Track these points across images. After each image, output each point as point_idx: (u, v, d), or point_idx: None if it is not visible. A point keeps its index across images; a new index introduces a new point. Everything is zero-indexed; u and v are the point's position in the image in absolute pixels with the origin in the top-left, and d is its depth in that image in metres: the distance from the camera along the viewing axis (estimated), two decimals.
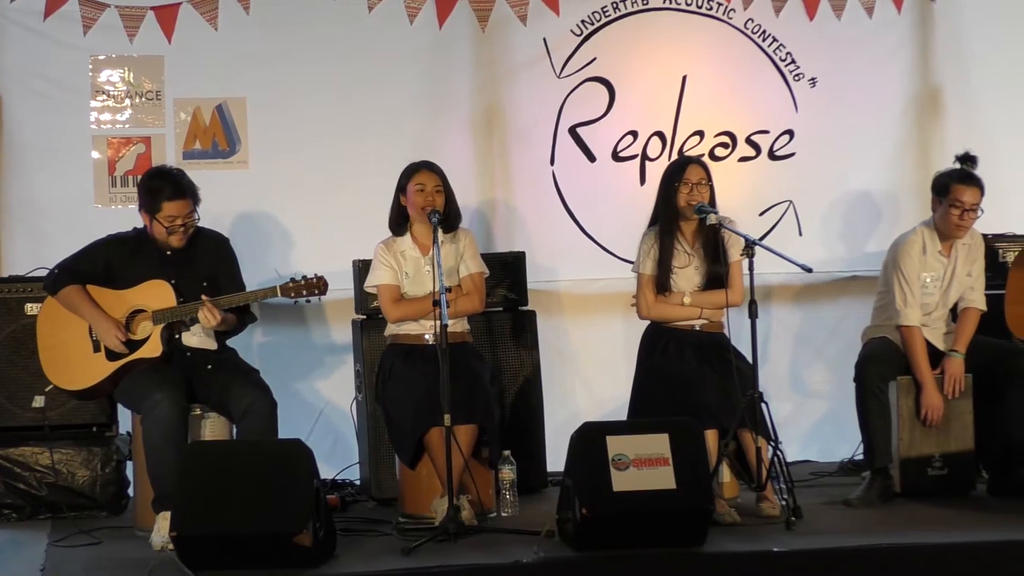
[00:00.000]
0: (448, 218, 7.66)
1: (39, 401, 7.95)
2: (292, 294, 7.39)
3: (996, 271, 8.57)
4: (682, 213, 7.78)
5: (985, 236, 8.31)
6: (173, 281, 7.38)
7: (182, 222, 7.39)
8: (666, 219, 7.83)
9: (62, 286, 7.46)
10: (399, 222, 7.74)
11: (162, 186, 7.42)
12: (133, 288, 7.41)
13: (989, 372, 8.00)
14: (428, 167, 7.71)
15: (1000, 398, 7.96)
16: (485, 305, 7.86)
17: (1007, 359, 8.00)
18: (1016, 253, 8.51)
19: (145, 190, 7.47)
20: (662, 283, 7.81)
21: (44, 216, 8.66)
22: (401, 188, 7.70)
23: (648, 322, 7.96)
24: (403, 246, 7.71)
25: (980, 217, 8.00)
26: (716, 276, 7.76)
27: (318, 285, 7.41)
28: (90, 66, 8.73)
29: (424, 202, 7.57)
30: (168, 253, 7.48)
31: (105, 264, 7.48)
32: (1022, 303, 8.25)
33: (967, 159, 8.13)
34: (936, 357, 8.03)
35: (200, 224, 7.51)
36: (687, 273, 7.81)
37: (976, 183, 8.01)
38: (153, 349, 7.35)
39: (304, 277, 7.41)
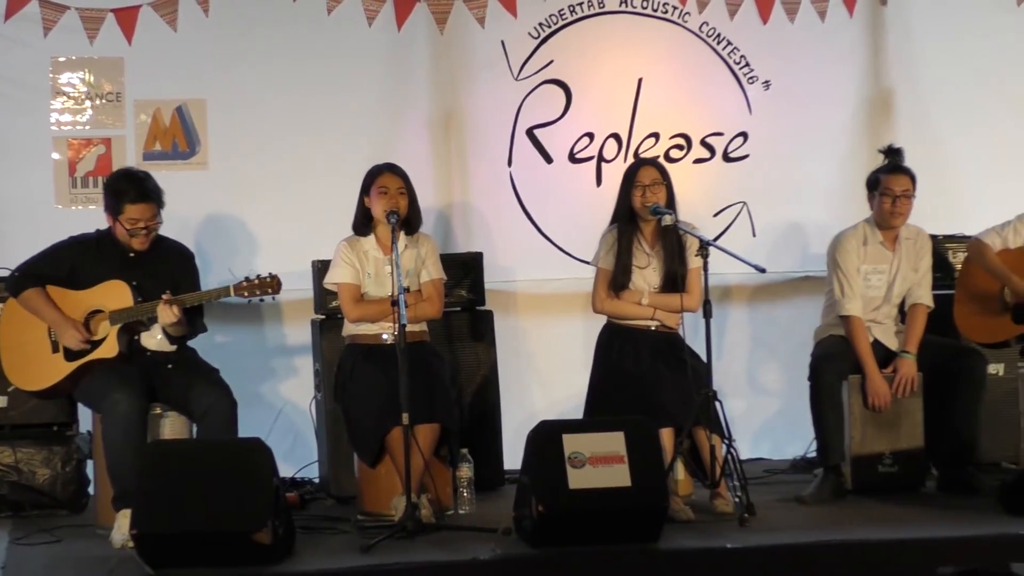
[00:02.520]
0: (410, 220, 7.68)
1: (1, 401, 7.93)
2: (245, 293, 7.37)
3: (946, 272, 8.62)
4: (639, 214, 7.82)
5: (935, 237, 8.38)
6: (134, 283, 7.37)
7: (144, 225, 7.37)
8: (624, 220, 7.87)
9: (23, 289, 7.44)
10: (363, 223, 7.75)
11: (126, 189, 7.40)
12: (91, 288, 7.40)
13: (939, 372, 8.05)
14: (391, 170, 7.72)
15: (950, 397, 8.01)
16: (442, 313, 7.88)
17: (957, 359, 8.05)
18: (966, 254, 8.56)
19: (110, 191, 7.45)
20: (621, 282, 7.84)
21: (4, 217, 8.62)
22: (365, 190, 7.70)
23: (605, 322, 7.99)
24: (366, 246, 7.71)
25: (914, 205, 8.11)
26: (674, 277, 7.79)
27: (271, 284, 7.39)
28: (50, 67, 8.70)
29: (387, 204, 7.57)
30: (131, 255, 7.47)
31: (70, 267, 7.46)
32: (971, 304, 8.31)
33: (892, 151, 8.21)
34: (889, 357, 8.08)
35: (162, 227, 7.50)
36: (646, 273, 7.84)
37: (903, 171, 8.11)
38: (109, 349, 7.33)
39: (258, 276, 7.39)
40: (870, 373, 7.98)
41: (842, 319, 8.06)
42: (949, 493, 7.96)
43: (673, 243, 7.80)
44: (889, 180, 8.07)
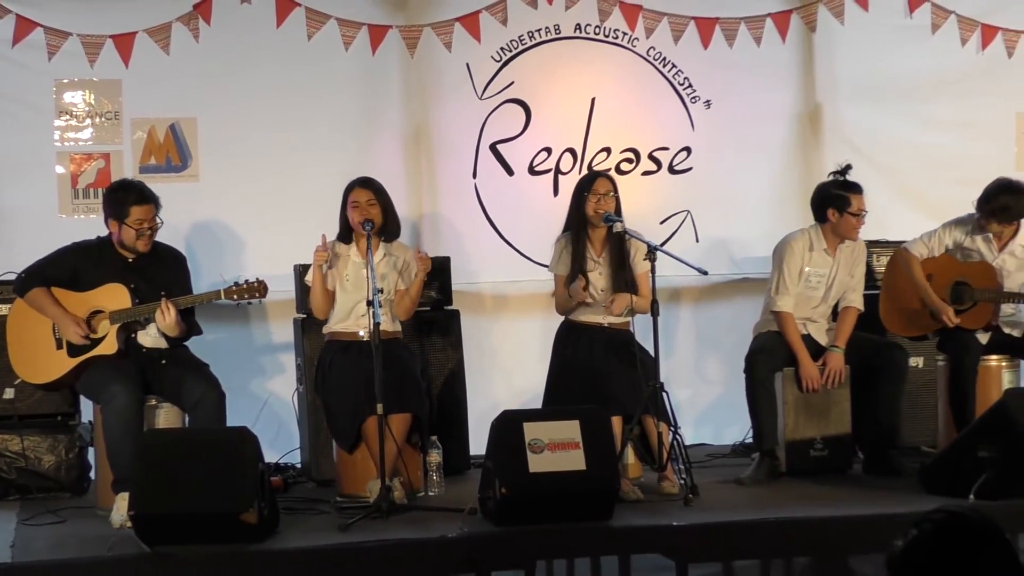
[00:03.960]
0: (387, 228, 7.67)
1: (9, 393, 7.90)
2: (235, 297, 7.36)
3: (870, 274, 8.64)
4: (590, 221, 7.82)
5: None
6: (132, 286, 7.35)
7: (148, 225, 7.37)
8: (577, 227, 7.87)
9: (29, 289, 7.41)
10: (346, 233, 7.74)
11: (129, 194, 7.42)
12: (93, 290, 7.37)
13: (865, 364, 8.06)
14: (362, 184, 7.69)
15: (874, 388, 8.03)
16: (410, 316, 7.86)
17: (881, 353, 8.07)
18: (889, 258, 8.58)
19: (113, 200, 7.43)
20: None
21: (12, 225, 8.59)
22: (344, 203, 7.70)
23: (562, 319, 7.98)
24: (348, 252, 7.70)
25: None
26: (621, 281, 7.79)
27: (258, 288, 7.37)
28: (54, 89, 8.67)
29: (359, 216, 7.56)
30: (130, 261, 7.45)
31: (71, 270, 7.44)
32: (894, 301, 8.34)
33: (848, 169, 8.21)
34: (819, 351, 8.10)
35: (158, 236, 7.49)
36: (593, 277, 7.82)
37: (862, 190, 8.11)
38: (109, 346, 7.31)
39: (246, 281, 7.38)
40: (802, 359, 8.00)
41: (774, 314, 8.08)
42: (874, 474, 7.97)
43: (618, 249, 7.81)
44: (859, 200, 8.05)
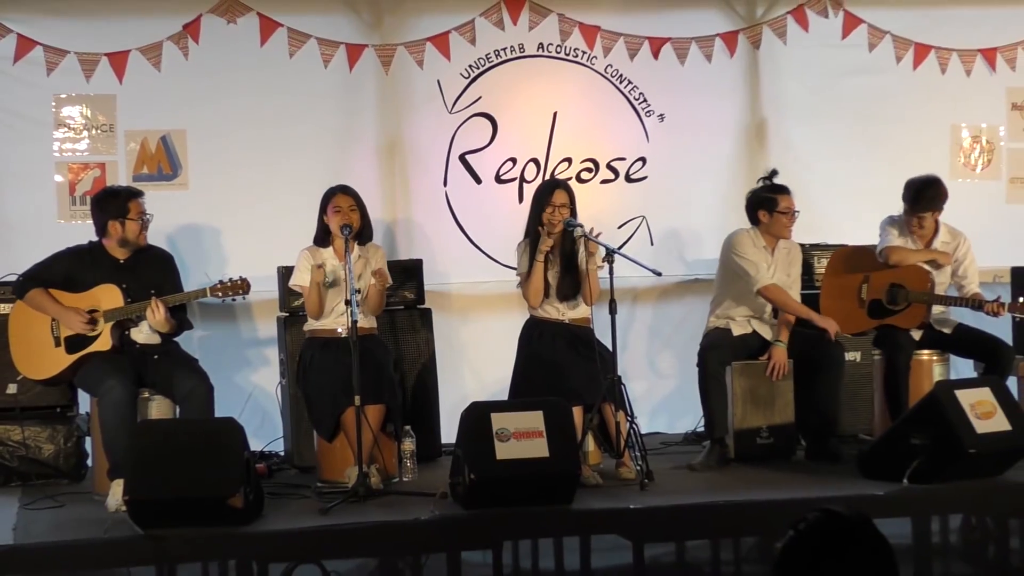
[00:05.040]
0: (362, 232, 7.68)
1: (12, 388, 7.88)
2: (220, 294, 7.37)
3: (810, 275, 8.68)
4: (547, 229, 7.80)
5: (802, 246, 8.43)
6: (124, 286, 7.35)
7: (145, 215, 7.42)
8: (535, 233, 7.87)
9: (28, 291, 7.41)
10: (323, 236, 7.74)
11: (117, 193, 7.52)
12: (88, 291, 7.37)
13: (806, 359, 8.09)
14: (343, 191, 7.72)
15: (814, 380, 8.05)
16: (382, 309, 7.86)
17: (821, 348, 8.09)
18: (828, 260, 8.62)
19: (109, 204, 7.45)
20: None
21: (14, 230, 8.56)
22: (323, 209, 7.70)
23: (527, 317, 7.99)
24: (325, 255, 7.71)
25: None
26: (571, 281, 7.80)
27: (242, 286, 7.38)
28: (53, 103, 8.64)
29: (340, 220, 7.57)
30: (121, 262, 7.45)
31: (65, 273, 7.43)
32: (832, 300, 8.37)
33: (774, 174, 8.25)
34: (764, 346, 8.13)
35: (150, 237, 7.51)
36: (548, 276, 7.82)
37: (789, 191, 8.15)
38: (104, 343, 7.31)
39: (230, 279, 7.39)
40: (813, 316, 8.05)
41: (761, 292, 8.05)
42: (815, 460, 7.99)
43: (568, 252, 7.81)
44: (787, 200, 8.12)
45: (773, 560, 3.19)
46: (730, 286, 8.22)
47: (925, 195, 8.16)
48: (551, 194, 7.83)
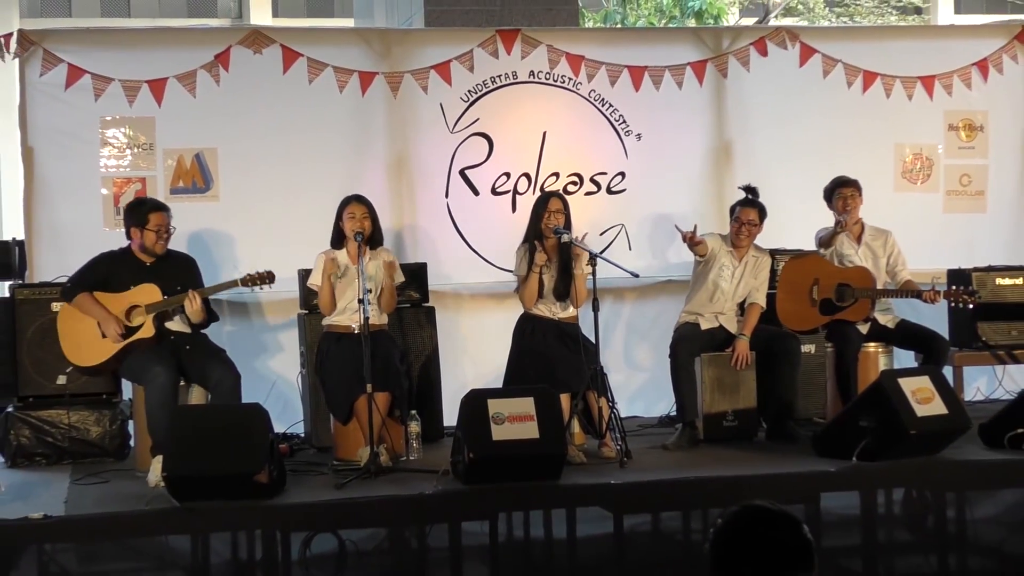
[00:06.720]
0: (373, 237, 7.70)
1: (62, 379, 7.91)
2: (249, 283, 7.45)
3: (771, 277, 8.68)
4: (544, 233, 7.85)
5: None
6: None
7: (165, 229, 7.45)
8: (533, 238, 7.90)
9: (75, 296, 7.45)
10: (338, 240, 7.77)
11: (143, 204, 7.58)
12: (130, 290, 7.40)
13: (766, 351, 8.11)
14: (357, 199, 7.73)
15: (774, 370, 8.08)
16: (394, 307, 7.88)
17: (779, 341, 8.13)
18: (785, 263, 8.65)
19: (134, 212, 7.53)
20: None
21: (64, 236, 8.58)
22: (338, 216, 7.73)
23: (521, 313, 7.99)
24: (340, 257, 7.73)
25: (760, 233, 8.21)
26: (565, 285, 7.82)
27: (268, 276, 7.46)
28: (99, 125, 8.65)
29: (355, 226, 7.60)
30: (147, 264, 7.50)
31: (105, 275, 7.48)
32: (789, 300, 8.40)
33: (749, 189, 8.28)
34: (729, 339, 8.15)
35: (184, 244, 7.53)
36: (544, 279, 7.84)
37: (753, 205, 8.18)
38: (147, 332, 7.34)
39: (257, 272, 7.46)
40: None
41: None
42: (775, 441, 8.02)
43: (564, 258, 7.84)
44: (742, 211, 8.17)
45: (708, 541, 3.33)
46: (699, 286, 8.25)
47: (832, 183, 8.47)
48: (547, 203, 7.87)
